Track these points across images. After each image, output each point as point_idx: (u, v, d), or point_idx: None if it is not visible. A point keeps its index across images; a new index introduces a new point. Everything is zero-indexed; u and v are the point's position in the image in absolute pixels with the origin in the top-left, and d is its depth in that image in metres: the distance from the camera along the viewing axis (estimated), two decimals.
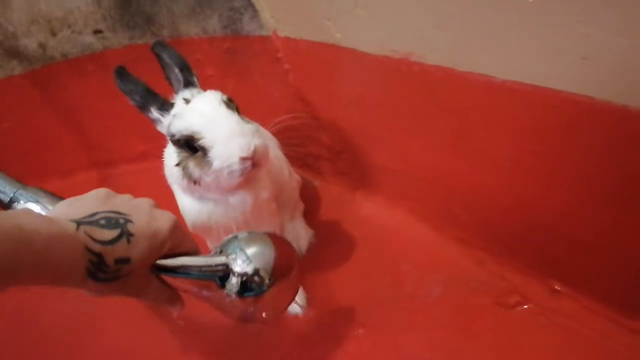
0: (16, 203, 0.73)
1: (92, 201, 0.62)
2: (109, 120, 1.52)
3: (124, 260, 0.58)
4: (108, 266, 0.56)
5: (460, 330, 0.90)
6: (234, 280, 0.67)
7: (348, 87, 1.12)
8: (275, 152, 1.06)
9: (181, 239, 0.66)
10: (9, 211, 0.55)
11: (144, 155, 1.52)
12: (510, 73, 0.81)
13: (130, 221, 0.60)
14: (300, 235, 1.13)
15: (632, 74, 0.67)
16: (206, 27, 1.29)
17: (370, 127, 1.13)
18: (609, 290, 0.85)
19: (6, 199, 0.74)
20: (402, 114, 1.04)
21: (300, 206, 1.19)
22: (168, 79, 0.87)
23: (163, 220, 0.64)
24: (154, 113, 0.81)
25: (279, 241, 0.73)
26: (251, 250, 0.69)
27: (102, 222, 0.58)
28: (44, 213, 0.66)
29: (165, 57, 0.86)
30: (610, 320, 0.84)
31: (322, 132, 1.25)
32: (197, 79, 0.86)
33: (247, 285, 0.67)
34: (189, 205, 0.85)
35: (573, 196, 0.83)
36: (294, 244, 1.09)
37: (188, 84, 0.84)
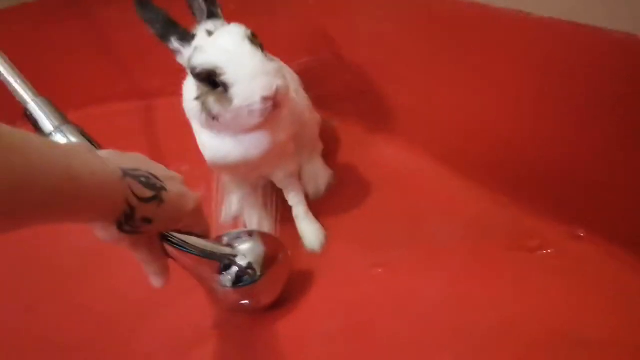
0: (56, 137, 0.77)
1: (133, 159, 0.65)
2: (123, 56, 1.51)
3: (148, 220, 0.62)
4: (135, 221, 0.60)
5: (479, 272, 0.89)
6: (231, 272, 0.80)
7: (373, 24, 1.08)
8: (298, 90, 1.05)
9: (197, 221, 0.73)
10: (73, 146, 0.56)
11: (155, 92, 1.51)
12: (546, 9, 0.77)
13: (164, 188, 0.64)
14: (319, 175, 1.12)
15: None
16: None
17: (395, 66, 1.10)
18: (636, 237, 0.83)
19: (47, 131, 0.76)
20: (428, 52, 1.01)
21: (319, 146, 1.17)
22: (191, 8, 0.84)
23: (190, 199, 0.70)
24: (174, 43, 0.78)
25: (267, 237, 0.88)
26: (245, 246, 0.83)
27: (143, 179, 0.61)
28: None
29: None
30: (636, 269, 0.82)
31: (344, 72, 1.22)
32: (222, 10, 0.83)
33: (242, 277, 0.80)
34: (208, 141, 0.84)
35: (600, 138, 0.80)
36: (313, 184, 1.10)
37: (211, 15, 0.81)
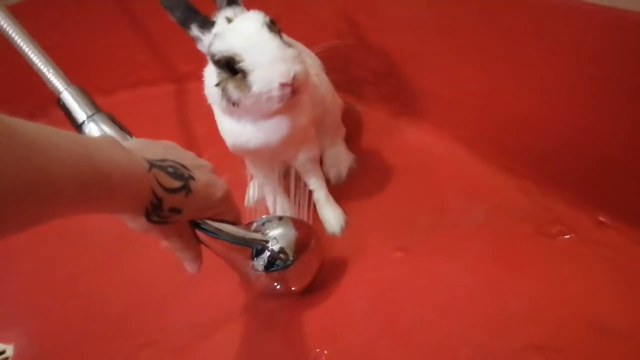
0: (88, 126, 0.78)
1: (162, 148, 0.66)
2: (152, 40, 1.52)
3: (176, 210, 0.63)
4: (163, 211, 0.61)
5: (502, 258, 0.89)
6: (263, 257, 0.80)
7: (398, 6, 1.08)
8: (319, 75, 1.05)
9: (227, 209, 0.73)
10: (96, 139, 0.56)
11: (186, 76, 1.53)
12: None
13: (192, 178, 0.64)
14: (341, 159, 1.12)
15: None
16: None
17: (420, 50, 1.09)
18: None
19: (80, 120, 0.78)
20: (454, 36, 1.00)
21: (342, 131, 1.17)
22: None
23: (218, 187, 0.70)
24: (195, 31, 0.79)
25: (299, 223, 0.88)
26: (277, 232, 0.83)
27: (170, 170, 0.62)
28: None
29: None
30: None
31: (368, 55, 1.21)
32: None
33: (274, 262, 0.81)
34: (229, 127, 0.85)
35: (629, 124, 0.79)
36: (335, 169, 1.10)
37: (231, 1, 0.81)
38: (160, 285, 1.01)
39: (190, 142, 1.34)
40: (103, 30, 1.51)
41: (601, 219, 0.89)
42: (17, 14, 0.92)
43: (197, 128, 1.39)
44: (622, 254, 0.84)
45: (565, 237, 0.89)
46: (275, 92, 0.75)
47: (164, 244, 0.70)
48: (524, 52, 0.90)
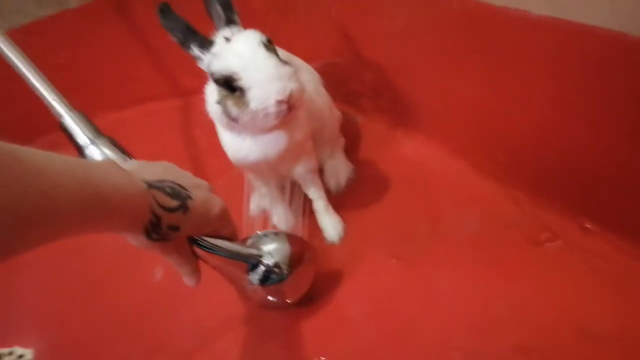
0: (90, 149, 0.82)
1: (161, 169, 0.69)
2: (157, 56, 1.56)
3: (175, 228, 0.65)
4: (162, 229, 0.63)
5: (493, 266, 0.92)
6: (259, 271, 0.83)
7: (393, 24, 1.10)
8: (318, 88, 1.08)
9: (224, 225, 0.75)
10: (96, 162, 0.58)
11: (190, 90, 1.54)
12: (544, 7, 0.79)
13: (190, 197, 0.66)
14: (340, 170, 1.15)
15: None
16: None
17: (412, 64, 1.12)
18: None
19: (81, 143, 0.81)
20: (443, 51, 1.03)
21: (341, 141, 1.20)
22: (210, 15, 0.87)
23: (215, 205, 0.72)
24: (195, 50, 0.82)
25: (293, 238, 0.91)
26: (272, 247, 0.86)
27: (168, 189, 0.64)
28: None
29: None
30: None
31: (364, 70, 1.24)
32: (238, 16, 0.86)
33: (269, 276, 0.84)
34: (229, 141, 0.89)
35: (613, 136, 0.82)
36: (334, 179, 1.13)
37: (229, 21, 0.84)
38: (169, 293, 1.04)
39: (193, 155, 1.36)
40: (108, 48, 1.53)
41: (587, 226, 0.91)
42: (25, 33, 0.95)
43: (200, 141, 1.41)
44: (608, 261, 0.86)
45: (553, 243, 0.92)
46: (272, 109, 0.78)
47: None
48: (506, 67, 0.92)
